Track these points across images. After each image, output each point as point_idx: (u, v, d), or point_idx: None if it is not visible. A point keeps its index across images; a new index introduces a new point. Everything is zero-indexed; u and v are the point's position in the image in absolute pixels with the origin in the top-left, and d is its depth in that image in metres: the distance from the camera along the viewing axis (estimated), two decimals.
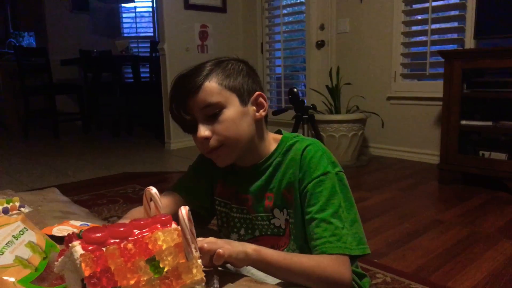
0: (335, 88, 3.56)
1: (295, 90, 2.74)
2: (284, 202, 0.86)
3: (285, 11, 4.50)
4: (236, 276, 0.66)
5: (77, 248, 0.46)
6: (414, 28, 3.57)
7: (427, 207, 2.40)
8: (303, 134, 3.54)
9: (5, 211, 1.00)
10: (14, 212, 1.01)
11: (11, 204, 1.03)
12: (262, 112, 0.86)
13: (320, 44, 4.12)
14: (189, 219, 0.51)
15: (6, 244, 0.59)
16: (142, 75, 5.78)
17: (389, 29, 3.61)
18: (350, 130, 3.32)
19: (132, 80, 5.67)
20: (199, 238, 0.61)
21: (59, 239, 0.78)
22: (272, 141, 0.90)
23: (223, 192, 0.95)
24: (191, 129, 0.83)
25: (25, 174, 3.31)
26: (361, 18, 3.82)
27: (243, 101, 0.83)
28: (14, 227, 0.63)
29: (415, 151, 3.56)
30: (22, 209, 1.03)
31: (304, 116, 2.80)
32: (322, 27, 4.11)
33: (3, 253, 0.58)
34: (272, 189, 0.87)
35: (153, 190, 0.59)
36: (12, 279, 0.55)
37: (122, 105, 5.21)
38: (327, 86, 3.61)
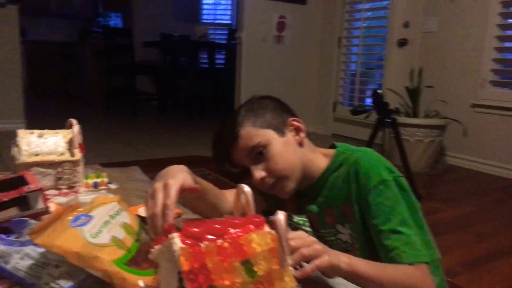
0: (415, 90, 3.38)
1: (380, 92, 2.63)
2: (345, 216, 0.85)
3: (367, 6, 4.34)
4: (322, 285, 0.64)
5: (176, 240, 0.46)
6: (509, 32, 3.28)
7: (509, 228, 2.21)
8: (384, 139, 3.42)
9: (95, 185, 1.07)
10: (103, 187, 1.07)
11: (100, 179, 1.09)
12: (301, 135, 0.88)
13: (402, 43, 3.93)
14: (285, 224, 0.50)
15: (104, 223, 0.62)
16: (216, 61, 5.90)
17: (481, 31, 3.34)
18: (427, 135, 3.15)
19: (207, 66, 5.81)
20: (291, 234, 0.60)
21: (144, 219, 0.82)
22: (322, 157, 0.90)
23: (292, 206, 0.95)
24: (241, 178, 0.86)
25: (104, 147, 3.53)
26: (450, 17, 3.58)
27: (280, 132, 0.85)
28: (110, 207, 0.66)
29: (500, 166, 3.28)
30: (110, 185, 1.09)
31: (386, 120, 2.66)
32: (406, 25, 3.91)
33: (100, 231, 0.60)
34: (332, 205, 0.87)
35: (246, 188, 0.58)
36: (107, 258, 0.57)
37: (196, 89, 5.36)
38: (407, 87, 3.44)
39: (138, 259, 0.62)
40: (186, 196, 0.74)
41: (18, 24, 3.89)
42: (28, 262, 0.59)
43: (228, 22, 6.60)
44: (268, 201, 0.95)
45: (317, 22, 4.67)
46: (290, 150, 0.85)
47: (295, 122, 0.88)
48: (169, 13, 6.47)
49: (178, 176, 0.68)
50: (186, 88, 5.39)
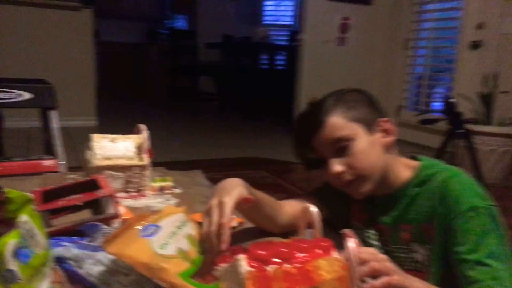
0: (489, 96, 3.16)
1: (452, 100, 2.49)
2: (424, 236, 0.80)
3: (437, 6, 4.12)
4: None
5: (243, 262, 0.46)
6: None
7: None
8: (455, 151, 3.23)
9: (161, 189, 1.10)
10: (168, 191, 1.11)
11: (166, 183, 1.12)
12: (390, 138, 0.82)
13: (476, 45, 3.69)
14: (357, 252, 0.48)
15: (171, 234, 0.63)
16: (277, 62, 5.91)
17: None
18: (502, 145, 2.93)
19: (267, 67, 5.83)
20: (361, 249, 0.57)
21: None
22: (404, 167, 0.84)
23: (359, 217, 0.91)
24: (316, 166, 0.83)
25: (168, 145, 3.65)
26: None
27: (370, 130, 0.81)
28: (177, 218, 0.67)
29: None
30: (175, 189, 1.12)
31: (458, 131, 2.50)
32: (480, 26, 3.66)
33: (168, 243, 0.62)
34: (410, 221, 0.81)
35: (312, 208, 0.57)
36: (173, 271, 0.58)
37: (256, 90, 5.41)
38: (479, 92, 3.23)
39: (202, 271, 0.63)
40: (242, 208, 0.74)
41: (92, 26, 4.14)
42: (99, 268, 0.62)
43: (290, 23, 6.58)
44: (332, 208, 0.91)
45: (382, 23, 4.51)
46: (375, 151, 0.81)
47: (387, 124, 0.83)
48: (231, 15, 6.58)
49: (233, 193, 0.69)
50: (246, 89, 5.45)
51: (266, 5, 6.73)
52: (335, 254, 0.50)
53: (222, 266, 0.51)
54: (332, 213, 0.92)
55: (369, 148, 0.80)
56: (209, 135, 4.41)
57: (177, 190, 1.12)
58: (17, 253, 0.54)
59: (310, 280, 0.46)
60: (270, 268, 0.46)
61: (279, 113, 5.50)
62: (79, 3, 3.99)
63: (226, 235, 0.62)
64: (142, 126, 1.10)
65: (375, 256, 0.58)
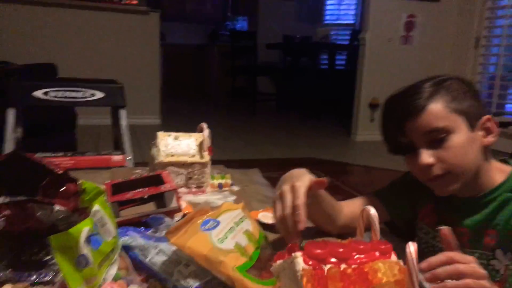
0: None
1: None
2: (510, 244, 0.74)
3: None
4: None
5: (299, 260, 0.47)
6: None
7: None
8: None
9: (220, 186, 1.13)
10: (227, 188, 1.13)
11: (224, 180, 1.15)
12: (491, 138, 0.77)
13: None
14: (416, 258, 0.47)
15: (229, 229, 0.65)
16: (337, 62, 5.82)
17: None
18: None
19: (327, 67, 5.76)
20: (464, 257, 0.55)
21: (264, 225, 0.85)
22: (496, 171, 0.79)
23: (430, 218, 0.87)
24: (403, 151, 0.78)
25: (227, 144, 3.74)
26: None
27: (471, 126, 0.75)
28: (235, 214, 0.69)
29: None
30: (233, 187, 1.15)
31: None
32: None
33: (226, 237, 0.64)
34: (496, 226, 0.76)
35: (372, 211, 0.56)
36: (231, 264, 0.60)
37: (315, 90, 5.36)
38: None
39: (258, 266, 0.64)
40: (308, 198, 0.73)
41: (159, 29, 4.33)
42: (162, 258, 0.65)
43: (351, 22, 6.45)
44: (396, 210, 0.89)
45: (451, 20, 4.28)
46: (472, 150, 0.75)
47: (490, 122, 0.77)
48: (292, 15, 6.57)
49: (304, 178, 0.69)
50: (305, 89, 5.42)
51: (328, 5, 6.65)
52: (394, 257, 0.49)
53: (278, 262, 0.51)
54: (395, 215, 0.90)
55: (467, 145, 0.74)
56: (267, 134, 4.44)
57: (235, 188, 1.14)
58: (89, 240, 0.58)
59: (367, 281, 0.46)
60: (326, 267, 0.46)
61: (338, 113, 5.42)
62: (147, 7, 4.20)
63: (302, 215, 0.62)
64: (204, 125, 1.14)
65: (463, 258, 0.55)
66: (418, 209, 0.89)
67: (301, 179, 0.68)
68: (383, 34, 4.10)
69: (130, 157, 1.60)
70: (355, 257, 0.48)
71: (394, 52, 4.14)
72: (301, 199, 0.64)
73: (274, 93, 6.07)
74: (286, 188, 0.67)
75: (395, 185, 0.93)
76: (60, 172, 0.64)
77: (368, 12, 4.10)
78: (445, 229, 0.49)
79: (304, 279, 0.45)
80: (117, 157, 1.49)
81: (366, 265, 0.47)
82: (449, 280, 0.52)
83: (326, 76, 5.52)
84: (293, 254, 0.48)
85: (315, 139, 4.30)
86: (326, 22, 6.60)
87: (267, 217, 0.91)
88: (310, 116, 5.38)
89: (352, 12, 6.50)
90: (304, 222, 0.62)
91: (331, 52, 5.56)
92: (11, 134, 1.48)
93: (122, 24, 4.13)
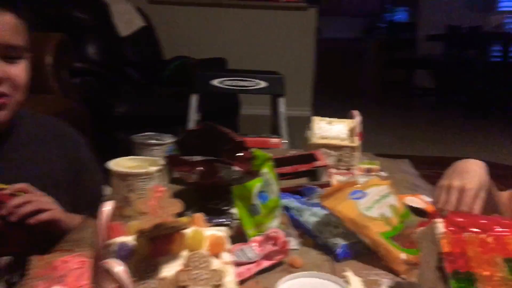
0: None
1: None
2: None
3: None
4: None
5: (439, 225, 0.52)
6: None
7: None
8: None
9: (368, 171, 1.19)
10: (374, 173, 1.19)
11: (373, 166, 1.21)
12: None
13: None
14: None
15: (375, 200, 0.72)
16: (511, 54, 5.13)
17: None
18: None
19: (501, 59, 5.13)
20: None
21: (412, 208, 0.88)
22: None
23: None
24: None
25: (377, 138, 3.68)
26: None
27: None
28: (382, 189, 0.76)
29: None
30: (381, 173, 1.19)
31: None
32: None
33: (372, 207, 0.71)
34: None
35: None
36: (376, 230, 0.68)
37: (483, 86, 4.85)
38: None
39: (402, 239, 0.70)
40: None
41: (316, 24, 4.48)
42: (314, 219, 0.76)
43: None
44: None
45: None
46: None
47: None
48: (459, 3, 6.01)
49: (475, 181, 0.69)
50: (471, 84, 4.94)
51: None
52: None
53: (421, 229, 0.57)
54: None
55: None
56: (423, 131, 4.22)
57: (383, 174, 1.18)
58: (259, 195, 0.73)
59: (506, 250, 0.48)
60: (466, 234, 0.50)
61: (509, 111, 4.80)
62: (305, 3, 4.38)
63: None
64: (355, 112, 1.21)
65: None
66: None
67: (473, 182, 0.68)
68: None
69: (285, 141, 1.76)
70: (496, 229, 0.51)
71: None
72: (466, 207, 0.65)
73: (433, 88, 5.67)
74: (457, 185, 0.68)
75: None
76: (239, 140, 0.81)
77: None
78: None
79: (444, 241, 0.50)
80: (274, 140, 1.66)
81: (507, 237, 0.49)
82: None
83: (498, 70, 4.93)
84: (434, 220, 0.53)
85: (479, 139, 3.91)
86: (500, 9, 5.85)
87: (413, 201, 0.94)
88: (475, 114, 4.89)
89: None
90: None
91: (506, 43, 4.92)
92: (193, 116, 1.79)
93: (282, 21, 4.40)
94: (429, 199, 0.97)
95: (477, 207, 0.65)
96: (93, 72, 2.24)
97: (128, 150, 0.95)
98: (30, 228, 0.75)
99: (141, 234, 0.41)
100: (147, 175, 0.77)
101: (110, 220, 0.42)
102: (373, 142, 3.48)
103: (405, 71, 5.60)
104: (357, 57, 7.23)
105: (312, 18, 4.43)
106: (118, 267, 0.36)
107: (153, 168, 0.78)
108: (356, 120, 1.21)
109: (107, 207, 0.42)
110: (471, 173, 0.69)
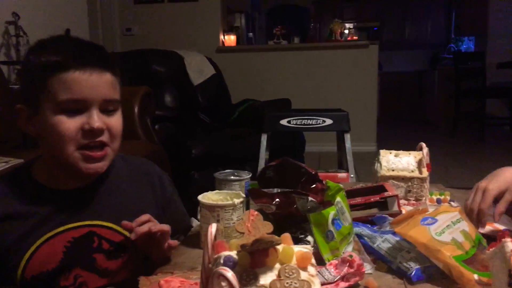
0: None
1: None
2: None
3: None
4: None
5: (509, 244, 0.56)
6: None
7: None
8: None
9: (438, 201, 1.21)
10: (445, 204, 1.20)
11: (443, 196, 1.23)
12: None
13: None
14: None
15: (446, 226, 0.76)
16: None
17: None
18: None
19: None
20: None
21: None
22: None
23: None
24: None
25: (448, 170, 3.57)
26: None
27: None
28: (453, 215, 0.79)
29: None
30: (452, 203, 1.21)
31: None
32: None
33: (443, 232, 0.75)
34: None
35: None
36: (448, 254, 0.71)
37: None
38: None
39: (474, 263, 0.73)
40: None
41: (377, 60, 4.52)
42: (387, 245, 0.81)
43: None
44: None
45: None
46: None
47: None
48: None
49: (499, 183, 0.75)
50: None
51: None
52: None
53: (491, 250, 0.60)
54: None
55: None
56: (498, 162, 3.97)
57: (454, 204, 1.19)
58: (333, 222, 0.80)
59: None
60: None
61: None
62: (367, 41, 4.47)
63: (483, 222, 0.70)
64: (423, 144, 1.25)
65: None
66: None
67: (497, 183, 0.74)
68: None
69: (353, 175, 1.81)
70: None
71: None
72: (486, 204, 0.71)
73: (508, 117, 5.38)
74: (482, 186, 0.74)
75: None
76: (313, 173, 0.89)
77: None
78: None
79: None
80: (342, 174, 1.72)
81: None
82: None
83: None
84: (503, 240, 0.57)
85: None
86: None
87: (486, 229, 0.95)
88: None
89: None
90: (483, 225, 0.68)
91: None
92: (264, 154, 1.90)
93: (344, 59, 4.50)
94: (503, 227, 0.97)
95: (500, 207, 0.69)
96: (170, 118, 2.47)
97: (201, 187, 1.00)
98: (137, 254, 0.87)
99: (242, 248, 0.50)
100: (232, 207, 0.88)
101: (215, 239, 0.52)
102: (443, 174, 3.39)
103: (475, 101, 5.39)
104: (422, 90, 7.10)
105: (374, 54, 4.49)
106: (229, 273, 0.46)
107: (237, 200, 0.88)
108: (423, 152, 1.24)
109: (213, 229, 0.53)
110: (500, 177, 0.74)
